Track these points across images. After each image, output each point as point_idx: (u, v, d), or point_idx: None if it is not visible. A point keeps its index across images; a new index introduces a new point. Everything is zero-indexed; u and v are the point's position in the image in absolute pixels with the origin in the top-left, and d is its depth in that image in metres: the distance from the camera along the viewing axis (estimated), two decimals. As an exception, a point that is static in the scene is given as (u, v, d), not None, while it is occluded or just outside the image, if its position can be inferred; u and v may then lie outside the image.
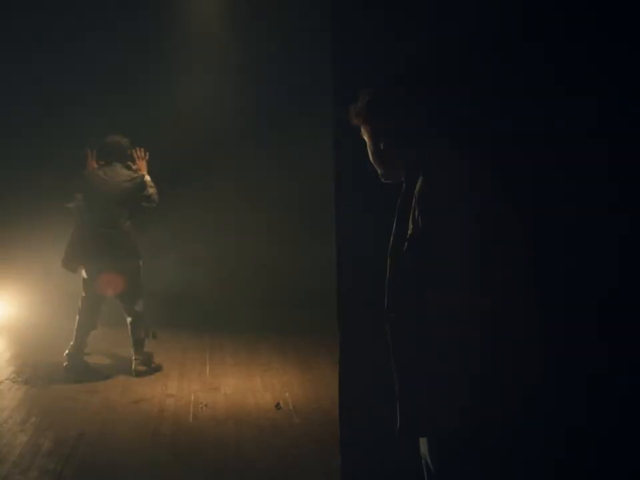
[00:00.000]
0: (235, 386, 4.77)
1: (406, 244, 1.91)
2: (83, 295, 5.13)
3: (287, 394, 4.58)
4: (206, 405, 4.40)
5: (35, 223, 6.67)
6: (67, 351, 5.07)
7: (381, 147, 2.05)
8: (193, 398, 4.53)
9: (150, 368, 5.08)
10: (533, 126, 2.33)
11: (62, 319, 6.50)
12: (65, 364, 5.03)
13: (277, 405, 4.36)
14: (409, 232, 1.91)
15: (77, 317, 5.14)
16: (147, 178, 5.22)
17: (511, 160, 2.31)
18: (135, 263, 5.10)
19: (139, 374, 5.00)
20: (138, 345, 5.11)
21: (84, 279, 5.10)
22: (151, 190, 5.21)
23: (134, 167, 5.24)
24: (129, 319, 5.14)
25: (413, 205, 1.92)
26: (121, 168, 5.17)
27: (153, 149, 6.64)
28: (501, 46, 2.33)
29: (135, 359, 5.08)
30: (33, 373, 5.09)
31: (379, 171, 2.11)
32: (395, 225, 2.00)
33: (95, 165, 5.21)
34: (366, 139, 2.10)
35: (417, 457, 2.09)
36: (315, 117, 4.50)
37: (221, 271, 5.19)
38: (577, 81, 2.29)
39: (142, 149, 5.29)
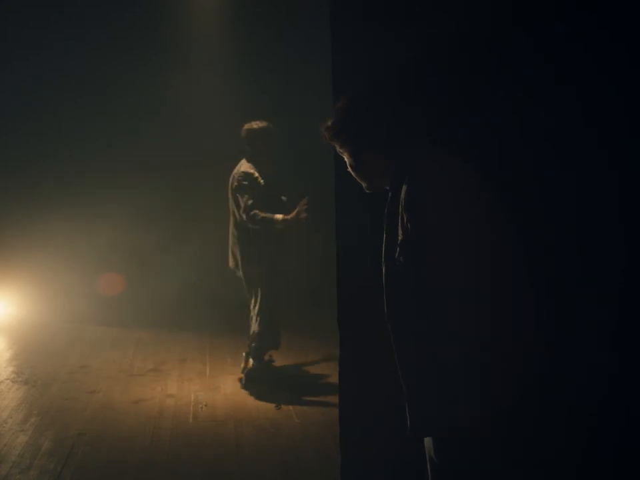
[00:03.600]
0: (235, 386, 4.77)
1: (397, 250, 1.92)
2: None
3: (287, 394, 4.58)
4: (206, 405, 4.40)
5: (35, 223, 6.67)
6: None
7: (360, 161, 2.05)
8: (192, 398, 4.53)
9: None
10: (516, 128, 2.34)
11: (62, 319, 6.52)
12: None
13: (277, 405, 4.36)
14: (399, 238, 1.92)
15: None
16: (249, 172, 4.56)
17: (499, 162, 2.32)
18: (251, 268, 4.70)
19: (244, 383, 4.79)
20: (251, 353, 4.87)
21: None
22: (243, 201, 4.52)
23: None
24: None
25: (400, 211, 1.92)
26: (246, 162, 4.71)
27: (154, 150, 6.69)
28: (490, 47, 2.34)
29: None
30: (33, 373, 5.10)
31: (362, 184, 2.12)
32: (385, 232, 2.00)
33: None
34: (344, 156, 2.10)
35: (416, 456, 2.09)
36: (317, 116, 4.51)
37: (221, 271, 5.18)
38: (569, 78, 2.30)
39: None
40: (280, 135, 4.96)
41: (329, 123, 2.06)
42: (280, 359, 5.08)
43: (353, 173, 2.11)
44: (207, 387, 4.76)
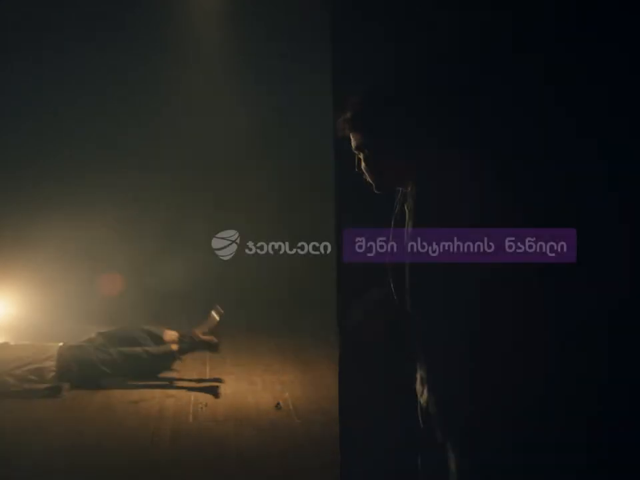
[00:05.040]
0: (235, 386, 4.77)
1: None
2: None
3: (287, 394, 4.58)
4: (206, 405, 4.40)
5: (35, 223, 6.68)
6: None
7: (376, 159, 2.00)
8: (192, 398, 4.53)
9: None
10: (528, 130, 2.33)
11: (62, 319, 6.51)
12: None
13: (277, 405, 4.36)
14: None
15: None
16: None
17: (507, 165, 2.32)
18: None
19: None
20: None
21: None
22: None
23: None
24: None
25: (411, 208, 1.92)
26: None
27: (154, 150, 6.69)
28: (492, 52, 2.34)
29: None
30: (33, 373, 5.09)
31: (373, 183, 2.06)
32: (391, 232, 1.99)
33: None
34: (358, 151, 2.04)
35: (416, 457, 2.09)
36: (316, 116, 4.52)
37: (221, 271, 5.20)
38: (570, 84, 2.30)
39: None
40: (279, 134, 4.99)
41: (348, 116, 2.00)
42: (279, 359, 5.09)
43: (364, 171, 2.05)
44: (207, 387, 4.76)
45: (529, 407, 1.94)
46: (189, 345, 4.95)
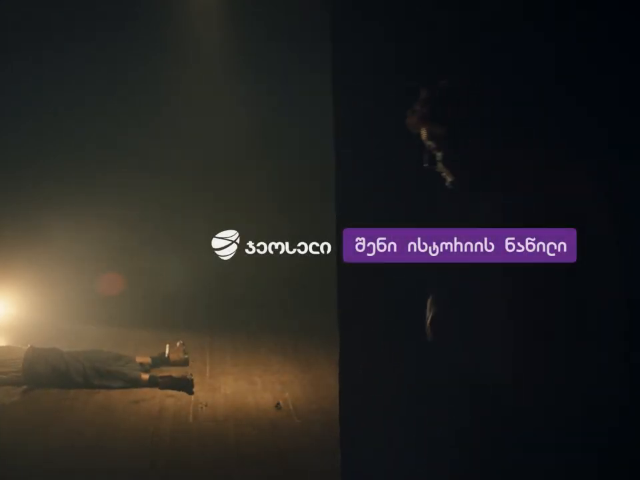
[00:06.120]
0: (235, 386, 4.77)
1: None
2: None
3: (287, 394, 4.58)
4: (206, 405, 4.40)
5: (36, 223, 6.68)
6: None
7: (459, 149, 1.91)
8: (192, 398, 4.53)
9: None
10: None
11: (62, 319, 6.51)
12: None
13: (277, 405, 4.36)
14: None
15: None
16: None
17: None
18: None
19: None
20: None
21: None
22: None
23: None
24: None
25: None
26: None
27: (154, 150, 6.69)
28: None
29: None
30: (33, 373, 5.08)
31: (449, 178, 1.95)
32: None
33: None
34: (432, 142, 1.92)
35: (416, 456, 2.09)
36: (316, 117, 4.53)
37: (222, 271, 5.20)
38: (572, 84, 2.30)
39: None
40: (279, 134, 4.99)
41: (424, 105, 1.90)
42: (279, 359, 5.08)
43: (444, 165, 1.94)
44: (207, 386, 4.76)
45: (526, 405, 1.95)
46: (160, 361, 5.14)
